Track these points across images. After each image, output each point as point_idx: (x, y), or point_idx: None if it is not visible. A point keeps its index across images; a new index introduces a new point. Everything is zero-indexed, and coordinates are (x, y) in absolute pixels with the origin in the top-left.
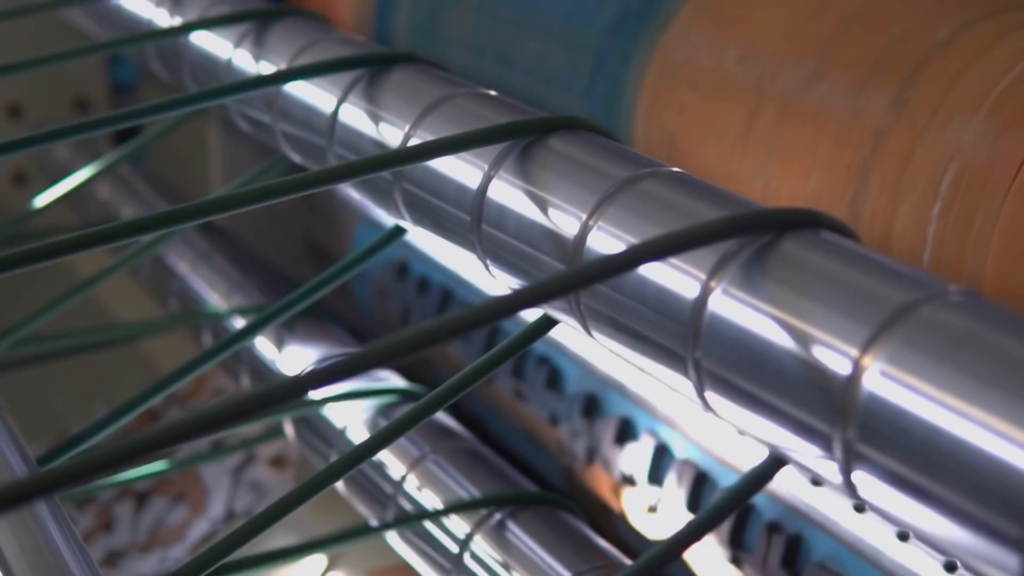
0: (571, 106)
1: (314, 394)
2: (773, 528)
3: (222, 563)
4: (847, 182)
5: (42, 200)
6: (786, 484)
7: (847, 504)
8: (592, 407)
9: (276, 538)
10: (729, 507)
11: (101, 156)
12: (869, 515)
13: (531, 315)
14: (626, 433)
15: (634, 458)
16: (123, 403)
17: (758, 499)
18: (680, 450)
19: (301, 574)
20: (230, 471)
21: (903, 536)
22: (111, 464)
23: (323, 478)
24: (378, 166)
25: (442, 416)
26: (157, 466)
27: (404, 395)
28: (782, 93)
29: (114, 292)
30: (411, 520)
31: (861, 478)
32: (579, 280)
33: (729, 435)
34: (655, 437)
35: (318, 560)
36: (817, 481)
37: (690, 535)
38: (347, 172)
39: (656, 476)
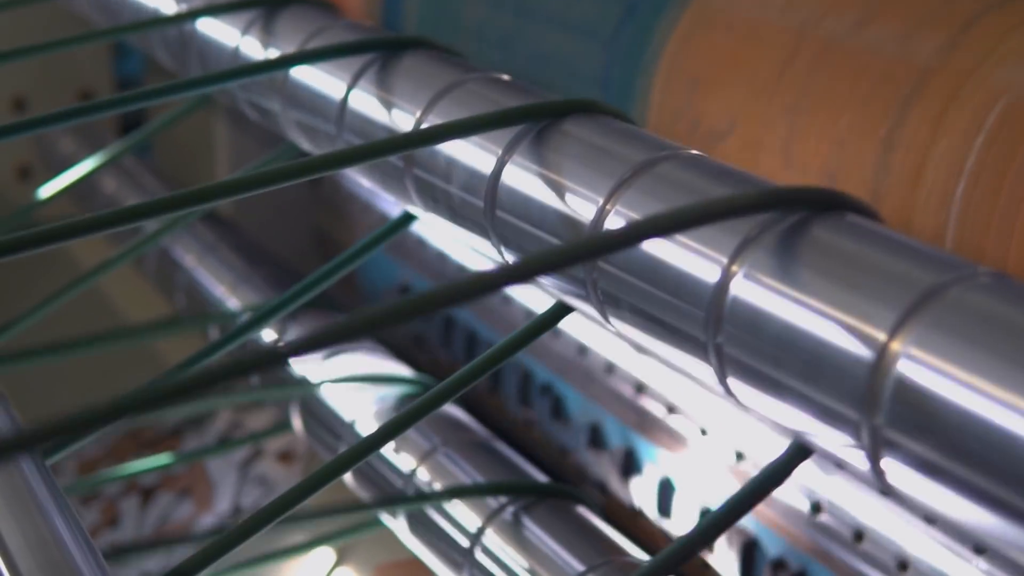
0: (590, 54)
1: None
2: (778, 565)
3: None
4: (884, 117)
5: (47, 191)
6: (791, 519)
7: (851, 537)
8: (598, 438)
9: (285, 533)
10: (752, 499)
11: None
12: (871, 546)
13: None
14: (631, 466)
15: (642, 492)
16: (127, 394)
17: (762, 535)
18: (682, 483)
19: (310, 569)
20: (237, 465)
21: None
22: (93, 422)
23: (331, 470)
24: (388, 150)
25: (452, 408)
26: (162, 459)
27: (413, 386)
28: (824, 38)
29: (119, 287)
30: (421, 500)
31: (890, 465)
32: (579, 253)
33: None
34: (658, 468)
35: (327, 555)
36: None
37: (712, 529)
38: (356, 156)
39: (665, 509)
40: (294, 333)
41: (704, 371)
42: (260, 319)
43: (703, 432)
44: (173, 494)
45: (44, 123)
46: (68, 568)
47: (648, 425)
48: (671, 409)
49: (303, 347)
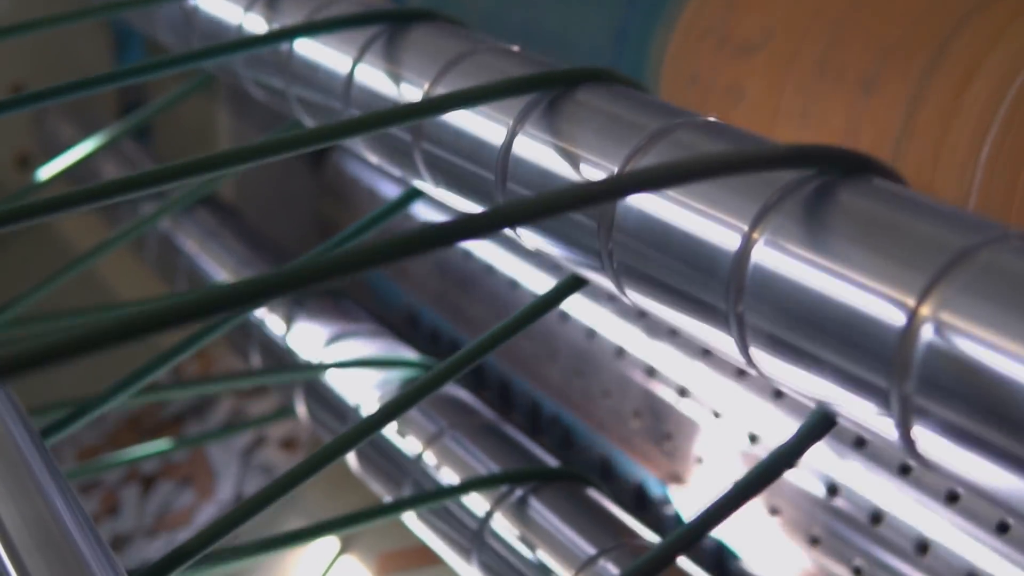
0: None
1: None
2: None
3: (232, 545)
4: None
5: (45, 173)
6: None
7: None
8: (608, 472)
9: (288, 521)
10: (774, 471)
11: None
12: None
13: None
14: (643, 501)
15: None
16: (126, 376)
17: None
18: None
19: (313, 558)
20: (239, 453)
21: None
22: (67, 351)
23: (332, 450)
24: (394, 119)
25: (459, 391)
26: (162, 444)
27: (419, 369)
28: None
29: (120, 275)
30: (429, 499)
31: (920, 434)
32: (582, 198)
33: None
34: (668, 503)
35: (330, 544)
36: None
37: (732, 502)
38: (361, 126)
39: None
40: (301, 318)
41: (725, 342)
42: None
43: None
44: (174, 482)
45: (42, 98)
46: (67, 546)
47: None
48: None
49: (258, 290)
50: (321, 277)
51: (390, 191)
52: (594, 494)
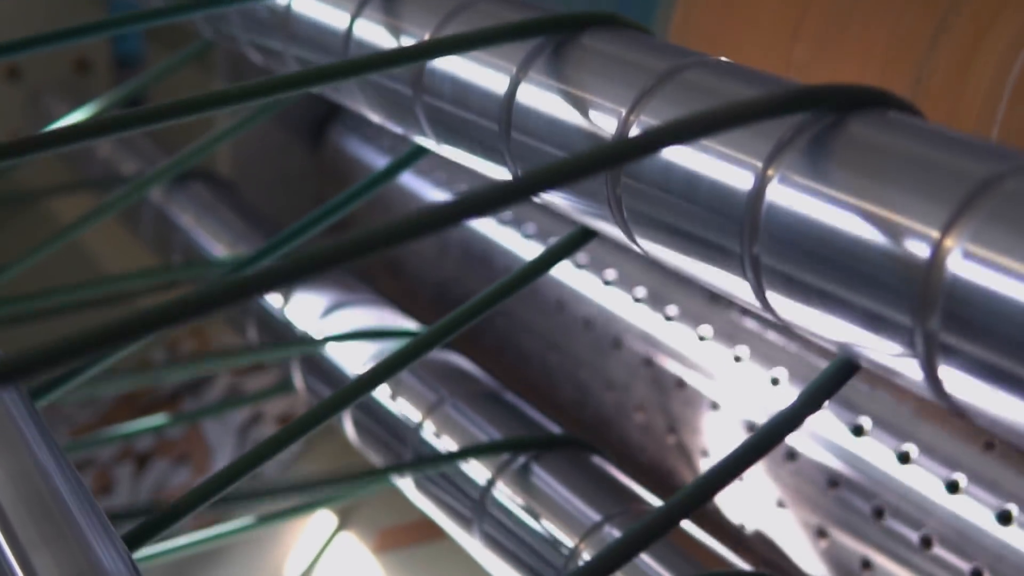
0: None
1: (321, 336)
2: None
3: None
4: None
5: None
6: None
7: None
8: None
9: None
10: (795, 420)
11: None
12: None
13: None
14: None
15: None
16: (92, 354)
17: None
18: None
19: (312, 534)
20: (235, 430)
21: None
22: (71, 352)
23: (323, 410)
24: (390, 62)
25: (459, 359)
26: (158, 419)
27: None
28: None
29: (113, 252)
30: (428, 464)
31: (947, 374)
32: (595, 162)
33: None
34: None
35: (328, 520)
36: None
37: (753, 452)
38: (355, 68)
39: None
40: (301, 293)
41: (741, 287)
42: (252, 261)
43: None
44: (169, 460)
45: (30, 45)
46: (53, 498)
47: None
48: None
49: (267, 280)
50: (339, 259)
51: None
52: (598, 460)
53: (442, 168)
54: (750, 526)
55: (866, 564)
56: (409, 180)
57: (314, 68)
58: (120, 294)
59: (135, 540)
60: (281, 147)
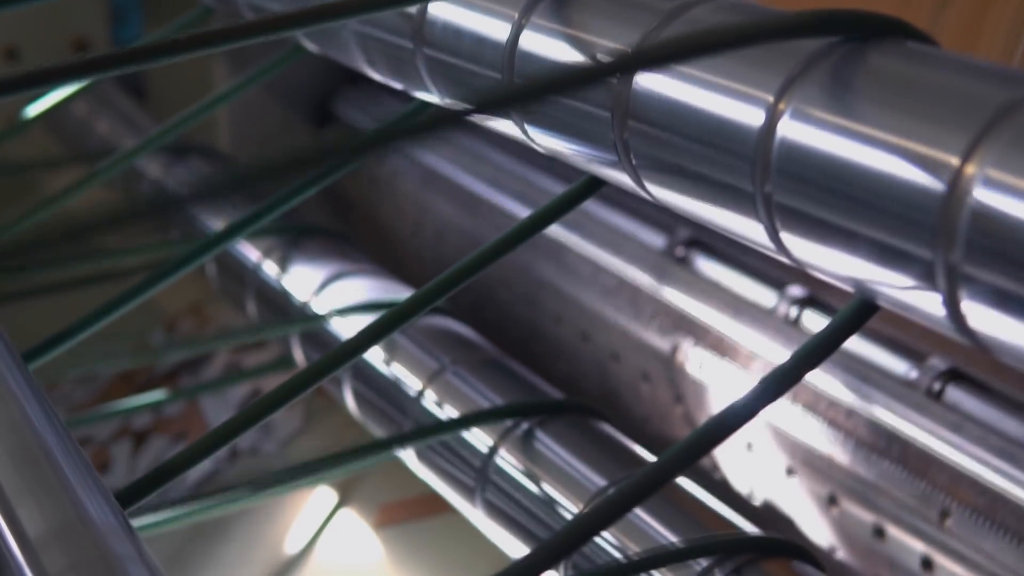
0: None
1: (320, 307)
2: None
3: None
4: None
5: (33, 111)
6: None
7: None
8: None
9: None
10: (811, 362)
11: (102, 97)
12: None
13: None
14: None
15: None
16: (98, 307)
17: None
18: None
19: (313, 511)
20: (234, 407)
21: None
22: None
23: (314, 372)
24: (388, 3)
25: (461, 327)
26: (156, 395)
27: None
28: None
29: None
30: (431, 432)
31: (970, 307)
32: (589, 75)
33: None
34: None
35: (329, 496)
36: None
37: (769, 394)
38: (350, 8)
39: None
40: (298, 260)
41: (754, 229)
42: (241, 225)
43: None
44: (167, 438)
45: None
46: (41, 451)
47: None
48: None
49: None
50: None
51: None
52: (604, 426)
53: (447, 144)
54: (759, 495)
55: (879, 532)
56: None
57: (307, 8)
58: (118, 270)
59: (129, 498)
60: (283, 125)
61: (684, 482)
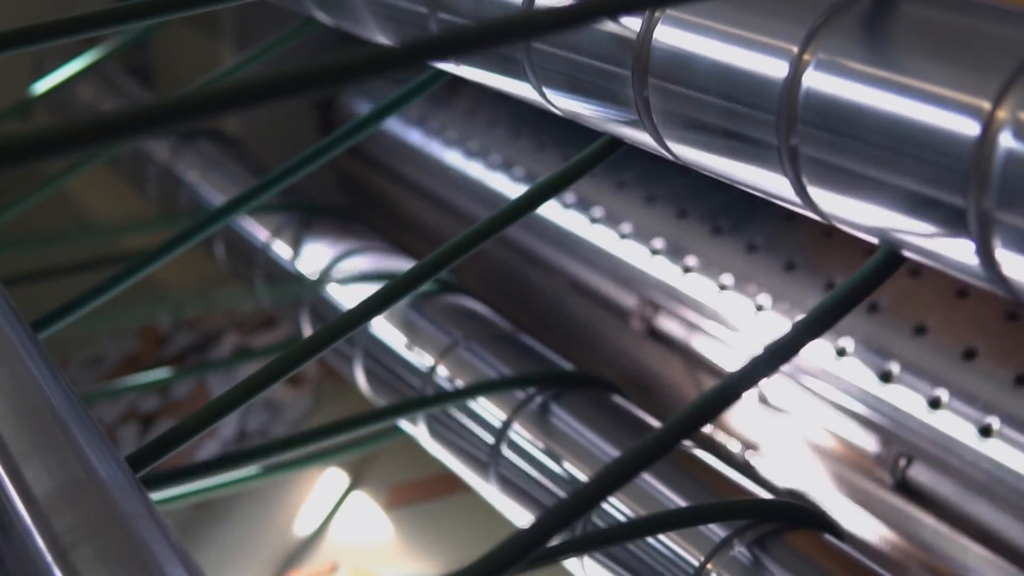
0: None
1: (331, 285)
2: None
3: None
4: None
5: (40, 87)
6: None
7: None
8: None
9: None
10: (837, 313)
11: (107, 77)
12: None
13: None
14: None
15: None
16: (104, 279)
17: None
18: None
19: (323, 492)
20: None
21: None
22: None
23: (316, 342)
24: None
25: (473, 303)
26: (160, 373)
27: (430, 284)
28: None
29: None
30: (441, 401)
31: (1005, 255)
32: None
33: None
34: None
35: (340, 478)
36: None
37: (789, 347)
38: None
39: None
40: (310, 240)
41: (779, 184)
42: (244, 199)
43: None
44: (175, 421)
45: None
46: (49, 413)
47: None
48: None
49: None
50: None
51: (399, 131)
52: (619, 400)
53: (452, 127)
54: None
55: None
56: (419, 139)
57: None
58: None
59: (140, 461)
60: (290, 111)
61: (707, 457)
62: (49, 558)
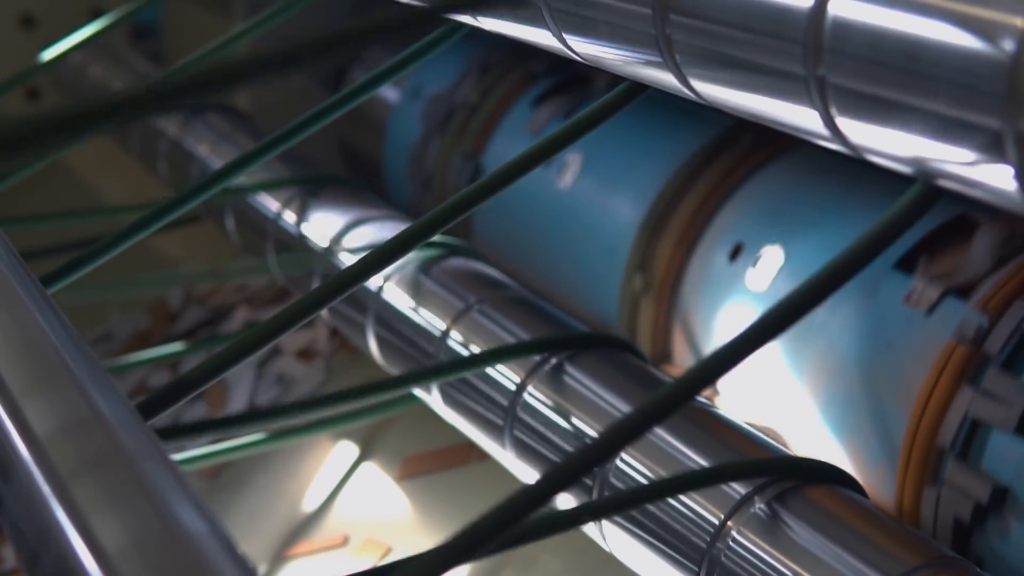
0: None
1: (341, 255)
2: None
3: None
4: None
5: (50, 53)
6: None
7: None
8: None
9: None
10: (875, 249)
11: (117, 60)
12: None
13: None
14: None
15: None
16: (109, 236)
17: None
18: None
19: (334, 464)
20: (253, 364)
21: None
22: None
23: (315, 298)
24: None
25: (485, 267)
26: (173, 347)
27: (437, 248)
28: None
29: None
30: (456, 369)
31: None
32: None
33: None
34: None
35: (351, 450)
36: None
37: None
38: None
39: None
40: (316, 207)
41: (808, 117)
42: (243, 161)
43: None
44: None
45: None
46: (53, 352)
47: None
48: None
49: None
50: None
51: (406, 116)
52: (633, 359)
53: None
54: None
55: None
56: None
57: None
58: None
59: (149, 410)
60: (301, 90)
61: (725, 413)
62: (47, 489)
